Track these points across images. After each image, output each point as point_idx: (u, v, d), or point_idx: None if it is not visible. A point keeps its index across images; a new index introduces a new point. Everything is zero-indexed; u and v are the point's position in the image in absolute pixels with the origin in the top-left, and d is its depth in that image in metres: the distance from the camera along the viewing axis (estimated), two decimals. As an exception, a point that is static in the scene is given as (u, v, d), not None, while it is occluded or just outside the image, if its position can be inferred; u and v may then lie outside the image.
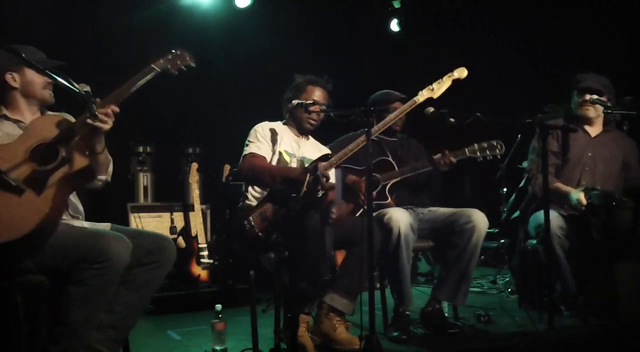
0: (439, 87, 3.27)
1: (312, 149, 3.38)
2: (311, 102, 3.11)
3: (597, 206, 3.23)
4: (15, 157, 2.30)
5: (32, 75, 2.49)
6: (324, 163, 3.10)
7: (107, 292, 2.28)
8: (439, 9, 6.20)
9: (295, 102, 3.14)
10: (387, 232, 3.21)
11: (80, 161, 2.36)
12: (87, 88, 2.37)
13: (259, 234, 2.98)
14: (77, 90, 2.29)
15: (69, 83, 2.31)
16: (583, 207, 3.31)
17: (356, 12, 6.12)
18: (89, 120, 2.30)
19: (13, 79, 2.47)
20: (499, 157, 3.43)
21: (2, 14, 4.20)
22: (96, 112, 2.29)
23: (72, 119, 2.59)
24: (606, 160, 3.60)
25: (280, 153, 3.22)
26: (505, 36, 6.03)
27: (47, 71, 2.27)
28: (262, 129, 3.27)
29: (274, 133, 3.26)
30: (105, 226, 2.57)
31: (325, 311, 3.09)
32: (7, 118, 2.48)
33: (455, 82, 3.33)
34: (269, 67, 5.62)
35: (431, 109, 3.48)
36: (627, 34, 5.15)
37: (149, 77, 2.47)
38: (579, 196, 3.35)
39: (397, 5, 6.15)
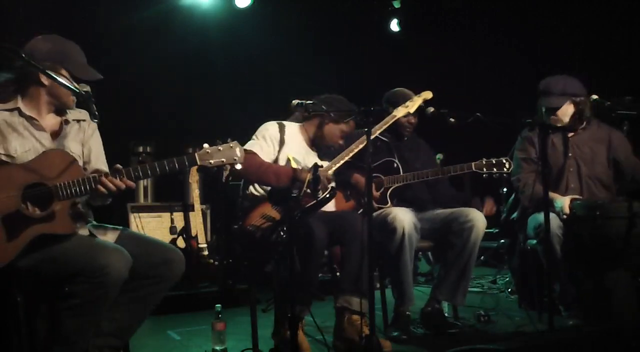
0: (413, 104, 3.42)
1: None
2: (311, 102, 3.09)
3: (581, 216, 3.22)
4: (10, 185, 2.19)
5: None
6: (325, 166, 3.11)
7: (101, 306, 2.21)
8: (439, 9, 6.20)
9: (295, 101, 3.10)
10: (391, 231, 3.20)
11: (64, 226, 2.24)
12: (87, 88, 2.36)
13: (276, 234, 2.98)
14: (77, 91, 2.28)
15: (69, 83, 2.30)
16: (565, 216, 3.30)
17: (356, 12, 6.13)
18: (99, 183, 2.22)
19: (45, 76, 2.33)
20: (505, 175, 3.41)
21: (2, 14, 4.20)
22: (102, 179, 2.22)
23: (89, 130, 2.55)
24: (588, 159, 3.55)
25: (288, 159, 3.21)
26: (505, 36, 6.02)
27: (46, 71, 2.24)
28: (273, 128, 3.27)
29: (283, 135, 3.26)
30: (114, 232, 2.48)
31: (347, 317, 3.06)
32: (20, 113, 2.36)
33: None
34: (269, 67, 5.63)
35: (431, 109, 3.48)
36: (627, 34, 5.15)
37: (185, 166, 2.31)
38: (563, 204, 3.32)
39: (397, 5, 6.15)
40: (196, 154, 2.32)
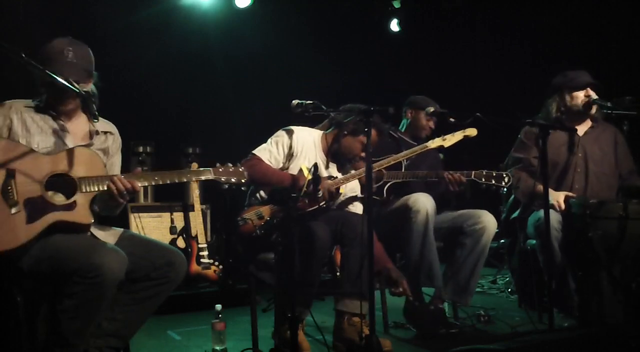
0: (451, 139, 3.41)
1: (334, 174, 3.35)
2: (311, 102, 3.08)
3: (574, 214, 3.22)
4: (38, 172, 2.26)
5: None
6: (330, 181, 3.12)
7: (98, 306, 2.22)
8: (439, 9, 6.20)
9: (295, 102, 3.07)
10: (415, 213, 3.23)
11: (82, 216, 2.31)
12: (87, 88, 2.39)
13: (257, 230, 3.00)
14: (77, 90, 2.29)
15: (68, 83, 2.31)
16: (559, 210, 3.31)
17: (356, 12, 6.13)
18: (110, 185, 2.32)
19: None
20: (502, 190, 3.43)
21: (2, 14, 4.20)
22: (114, 178, 2.33)
23: (116, 133, 2.64)
24: (597, 159, 3.57)
25: (300, 169, 3.17)
26: (505, 36, 6.03)
27: (46, 71, 2.25)
28: (288, 136, 3.22)
29: (298, 143, 3.22)
30: (115, 233, 2.51)
31: (347, 318, 3.07)
32: (49, 113, 2.44)
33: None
34: (269, 67, 5.63)
35: (431, 109, 3.49)
36: (627, 34, 5.15)
37: (201, 177, 2.53)
38: (558, 198, 3.34)
39: (397, 5, 6.15)
40: (211, 170, 2.53)
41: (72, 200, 2.28)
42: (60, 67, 2.33)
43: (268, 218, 3.01)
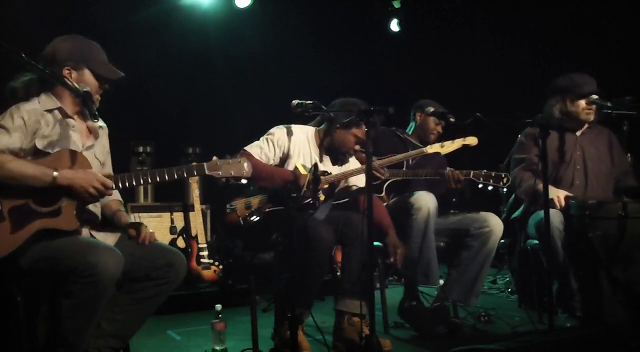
0: (449, 146, 3.42)
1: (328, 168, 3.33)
2: (311, 102, 3.08)
3: (573, 216, 3.23)
4: None
5: (89, 77, 2.45)
6: (323, 177, 3.11)
7: (96, 306, 2.21)
8: (439, 9, 6.20)
9: (295, 102, 3.06)
10: (415, 210, 3.25)
11: (68, 222, 2.27)
12: (87, 88, 2.39)
13: (240, 219, 3.01)
14: (77, 90, 2.29)
15: (68, 83, 2.31)
16: (559, 207, 3.32)
17: (356, 12, 6.13)
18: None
19: (70, 75, 2.42)
20: (500, 190, 3.43)
21: (2, 14, 4.20)
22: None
23: (105, 126, 2.63)
24: (594, 157, 3.60)
25: (295, 167, 3.16)
26: (505, 36, 6.03)
27: (46, 71, 2.25)
28: (279, 133, 3.21)
29: (291, 141, 3.20)
30: (115, 234, 2.50)
31: (346, 318, 3.08)
32: (62, 112, 2.42)
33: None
34: (269, 67, 5.63)
35: (431, 109, 3.49)
36: (627, 34, 5.15)
37: (194, 173, 2.38)
38: (558, 194, 3.36)
39: (397, 5, 6.15)
40: (205, 165, 2.40)
41: (57, 206, 2.24)
42: (103, 66, 2.45)
43: (254, 209, 3.01)
